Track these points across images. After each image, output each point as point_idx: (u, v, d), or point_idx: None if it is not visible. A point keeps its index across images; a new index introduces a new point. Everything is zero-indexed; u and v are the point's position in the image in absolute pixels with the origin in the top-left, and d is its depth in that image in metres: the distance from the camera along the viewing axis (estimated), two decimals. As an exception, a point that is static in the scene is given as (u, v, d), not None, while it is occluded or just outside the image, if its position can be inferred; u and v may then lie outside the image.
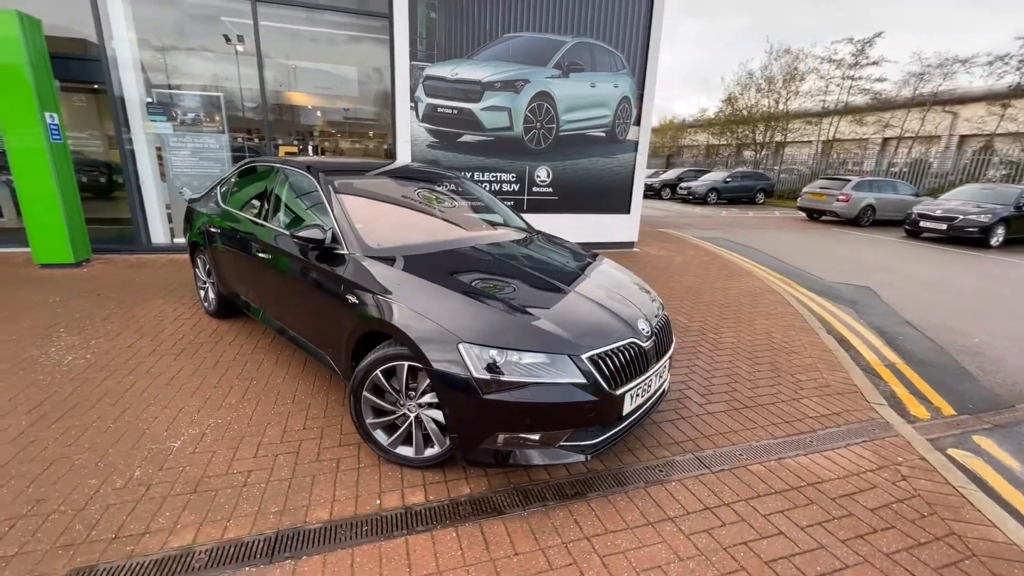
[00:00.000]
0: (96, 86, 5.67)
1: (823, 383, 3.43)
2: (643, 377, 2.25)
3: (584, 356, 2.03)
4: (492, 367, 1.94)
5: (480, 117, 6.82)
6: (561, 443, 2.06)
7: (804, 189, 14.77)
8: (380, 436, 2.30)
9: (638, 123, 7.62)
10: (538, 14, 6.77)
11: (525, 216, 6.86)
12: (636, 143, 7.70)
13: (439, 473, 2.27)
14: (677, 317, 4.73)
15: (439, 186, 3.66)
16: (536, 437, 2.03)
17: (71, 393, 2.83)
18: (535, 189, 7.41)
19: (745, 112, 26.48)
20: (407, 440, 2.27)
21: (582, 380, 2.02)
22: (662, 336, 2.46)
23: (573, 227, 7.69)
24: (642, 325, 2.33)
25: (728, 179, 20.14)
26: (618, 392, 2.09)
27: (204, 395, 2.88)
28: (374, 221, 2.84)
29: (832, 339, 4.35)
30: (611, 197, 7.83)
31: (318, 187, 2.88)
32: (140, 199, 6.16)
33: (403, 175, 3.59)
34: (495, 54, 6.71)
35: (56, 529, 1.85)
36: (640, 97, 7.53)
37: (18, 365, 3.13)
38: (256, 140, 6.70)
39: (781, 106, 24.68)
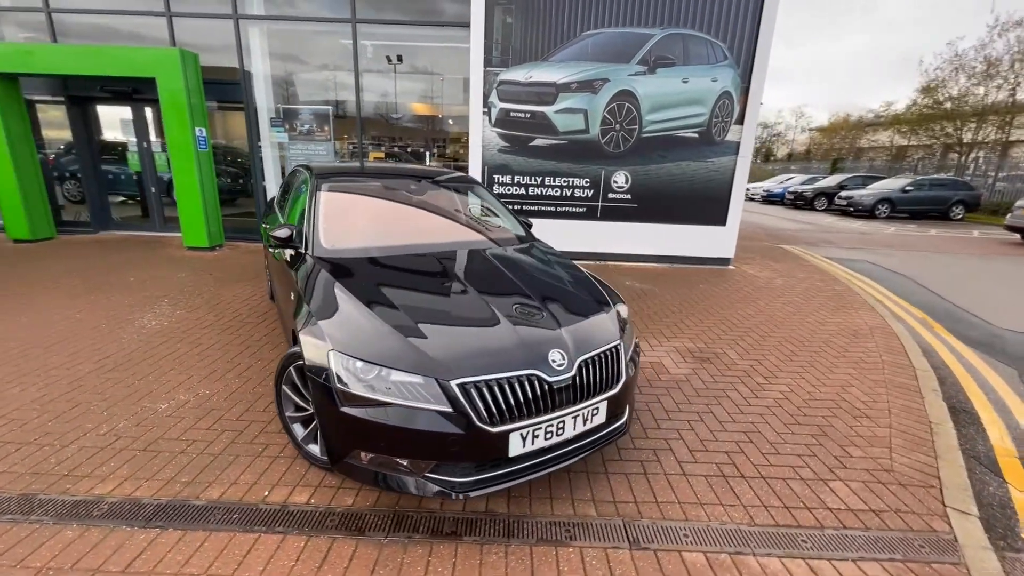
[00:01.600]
0: (239, 104, 6.96)
1: (884, 466, 2.53)
2: (547, 417, 1.92)
3: (454, 382, 1.81)
4: (356, 380, 1.85)
5: (553, 120, 6.62)
6: (427, 473, 1.87)
7: (1017, 204, 11.13)
8: (297, 430, 2.36)
9: (741, 121, 6.60)
10: (622, 7, 6.30)
11: (600, 224, 6.42)
12: (737, 144, 6.67)
13: (340, 479, 2.25)
14: (726, 351, 3.97)
15: (445, 190, 3.64)
16: (405, 463, 1.88)
17: (132, 351, 3.51)
18: (611, 195, 6.92)
19: (949, 104, 21.06)
20: (316, 438, 2.31)
21: (448, 409, 1.80)
22: (595, 372, 2.08)
23: (652, 238, 7.02)
24: (556, 356, 1.99)
25: (909, 188, 16.20)
26: (495, 429, 1.82)
27: (213, 367, 3.32)
28: (346, 223, 2.95)
29: (944, 407, 3.19)
30: (702, 206, 6.92)
31: (311, 188, 3.10)
32: (264, 196, 7.41)
33: (409, 176, 3.65)
34: (573, 54, 6.45)
35: (38, 457, 2.32)
36: (745, 91, 6.50)
37: (115, 324, 4.00)
38: (351, 147, 7.52)
39: (1004, 96, 19.02)
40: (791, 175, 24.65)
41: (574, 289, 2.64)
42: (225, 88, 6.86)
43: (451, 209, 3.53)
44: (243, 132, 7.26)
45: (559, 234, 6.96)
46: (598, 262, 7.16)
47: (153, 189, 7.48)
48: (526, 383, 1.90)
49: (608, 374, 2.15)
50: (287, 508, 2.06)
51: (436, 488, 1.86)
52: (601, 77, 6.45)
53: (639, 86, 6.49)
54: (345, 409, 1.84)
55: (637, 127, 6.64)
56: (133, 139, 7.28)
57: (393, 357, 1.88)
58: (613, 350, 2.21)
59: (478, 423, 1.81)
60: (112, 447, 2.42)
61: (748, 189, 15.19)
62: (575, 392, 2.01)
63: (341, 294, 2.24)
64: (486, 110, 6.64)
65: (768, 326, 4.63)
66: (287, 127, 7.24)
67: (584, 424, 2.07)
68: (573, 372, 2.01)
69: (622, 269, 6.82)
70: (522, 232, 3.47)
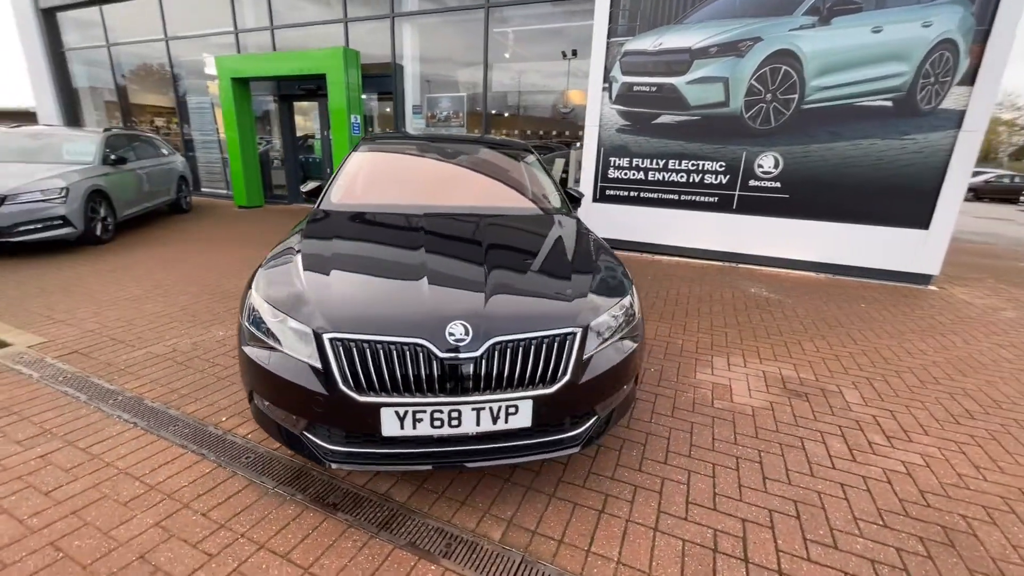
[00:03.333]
0: (390, 94, 7.85)
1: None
2: (436, 400, 1.57)
3: (327, 336, 1.60)
4: (257, 322, 1.80)
5: (684, 92, 5.67)
6: (303, 431, 1.71)
7: None
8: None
9: (972, 81, 4.60)
10: (790, -55, 4.98)
11: (735, 219, 5.36)
12: (960, 114, 4.69)
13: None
14: (844, 390, 2.81)
15: (487, 157, 3.38)
16: (283, 415, 1.75)
17: (237, 289, 4.24)
18: (753, 183, 5.63)
19: None
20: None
21: (317, 364, 1.61)
22: (516, 360, 1.62)
23: (807, 240, 5.51)
24: (456, 330, 1.60)
25: None
26: (363, 399, 1.55)
27: (278, 310, 3.77)
28: (362, 181, 2.96)
29: None
30: (892, 201, 5.09)
31: (350, 150, 3.21)
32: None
33: (454, 142, 3.51)
34: (715, 12, 5.38)
35: (118, 350, 2.93)
36: (983, 37, 4.51)
37: (246, 268, 4.88)
38: (476, 131, 7.75)
39: None
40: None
41: (555, 266, 2.13)
42: (380, 80, 7.80)
43: (483, 174, 3.26)
44: (392, 119, 8.17)
45: (681, 228, 6.02)
46: (726, 263, 5.94)
47: (329, 170, 9.02)
48: (409, 353, 1.58)
49: (540, 367, 1.65)
50: (225, 438, 2.15)
51: (307, 450, 1.69)
52: (751, 36, 5.24)
53: (805, 43, 5.08)
54: (244, 348, 1.81)
55: (796, 96, 5.22)
56: (318, 128, 8.89)
57: (291, 305, 1.77)
58: (557, 339, 1.69)
59: (342, 387, 1.56)
60: (165, 356, 2.92)
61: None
62: (482, 378, 1.60)
63: (294, 242, 2.23)
64: (606, 85, 6.07)
65: (946, 370, 3.12)
66: (428, 115, 7.87)
67: (495, 423, 1.63)
68: (479, 353, 1.59)
69: (755, 274, 5.51)
70: (556, 205, 3.00)
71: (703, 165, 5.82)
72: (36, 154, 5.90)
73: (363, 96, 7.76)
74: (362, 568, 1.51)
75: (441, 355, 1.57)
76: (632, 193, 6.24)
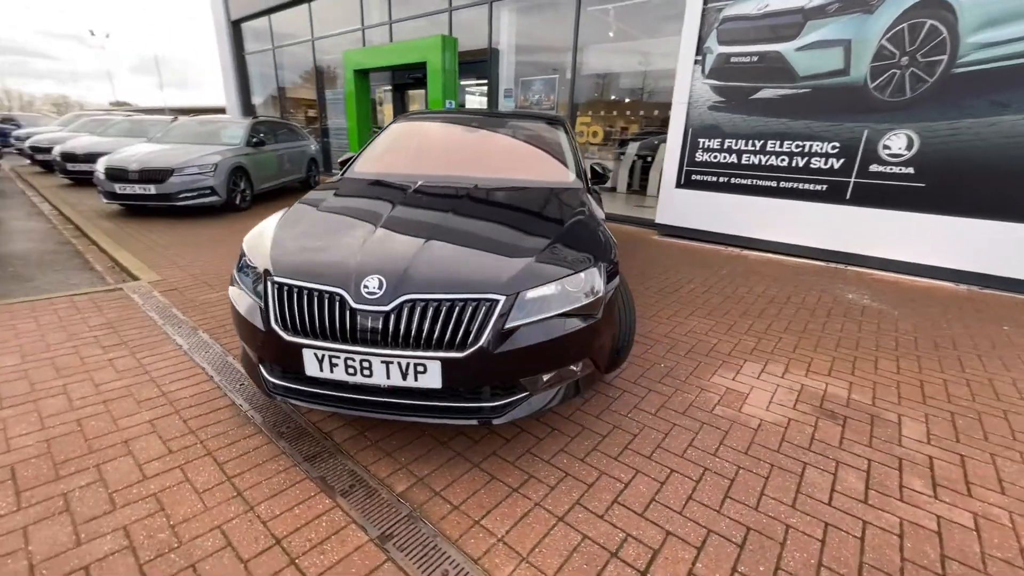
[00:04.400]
0: (484, 81, 8.08)
1: None
2: (347, 348, 1.64)
3: (272, 279, 1.78)
4: (237, 265, 2.06)
5: (792, 61, 4.84)
6: (258, 364, 1.92)
7: None
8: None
9: None
10: None
11: (849, 211, 4.62)
12: None
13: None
14: (906, 417, 2.22)
15: (512, 132, 3.32)
16: (250, 351, 1.98)
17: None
18: (875, 169, 4.61)
19: None
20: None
21: (262, 304, 1.79)
22: (426, 319, 1.62)
23: (948, 241, 4.40)
24: (370, 283, 1.65)
25: None
26: (287, 338, 1.69)
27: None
28: (383, 155, 3.12)
29: None
30: (1086, 194, 3.77)
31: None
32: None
33: (486, 116, 3.51)
34: (840, -40, 4.47)
35: (201, 291, 3.57)
36: None
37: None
38: (560, 113, 7.56)
39: None
40: None
41: (513, 235, 2.04)
42: (477, 66, 8.06)
43: (500, 148, 3.20)
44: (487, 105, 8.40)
45: (777, 220, 5.23)
46: (829, 263, 5.00)
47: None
48: (327, 301, 1.68)
49: (450, 330, 1.62)
50: (233, 365, 2.51)
51: (259, 381, 1.90)
52: (885, -14, 4.26)
53: (964, -12, 3.97)
54: (229, 288, 2.09)
55: (945, 58, 4.11)
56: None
57: (255, 251, 1.99)
58: (472, 304, 1.64)
59: (274, 325, 1.73)
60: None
61: None
62: (391, 334, 1.63)
63: (298, 203, 2.47)
64: (699, 58, 5.46)
65: (1093, 420, 2.27)
66: (522, 97, 7.94)
67: (405, 379, 1.65)
68: (388, 308, 1.62)
69: (865, 279, 4.55)
70: (569, 179, 2.83)
71: (810, 147, 4.94)
72: (202, 138, 7.37)
73: (461, 82, 8.13)
74: (271, 487, 1.67)
75: (354, 306, 1.64)
76: (721, 179, 5.57)
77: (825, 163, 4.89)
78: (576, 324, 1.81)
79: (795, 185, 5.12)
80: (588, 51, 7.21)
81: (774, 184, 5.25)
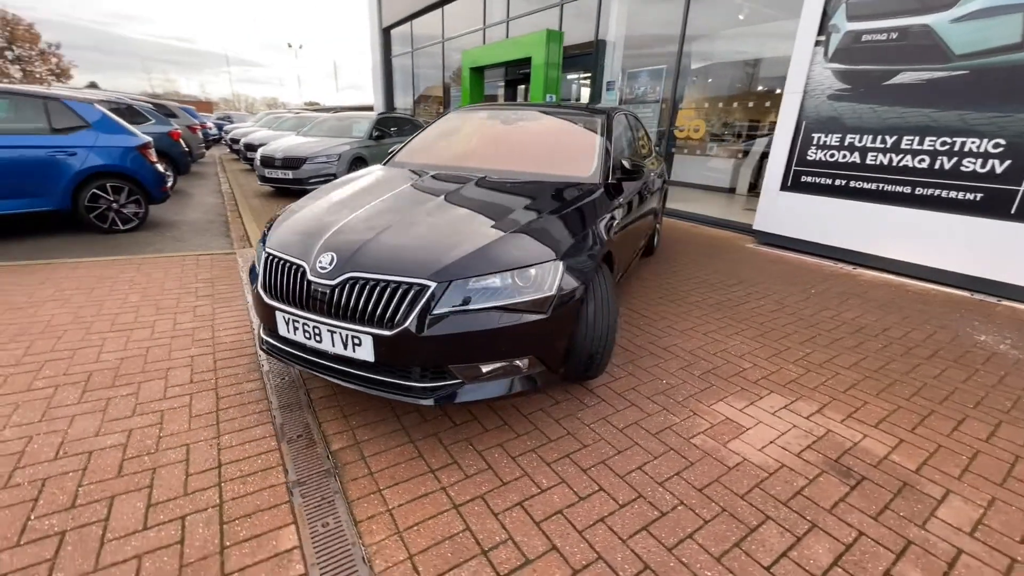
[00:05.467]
0: (589, 75, 7.91)
1: None
2: (304, 314, 1.86)
3: (266, 250, 2.08)
4: (262, 237, 2.43)
5: (945, 35, 3.84)
6: (263, 322, 2.25)
7: None
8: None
9: None
10: None
11: (1016, 228, 3.67)
12: None
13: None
14: (961, 489, 1.71)
15: (547, 126, 3.26)
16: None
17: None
18: (1059, 174, 3.45)
19: None
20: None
21: (259, 268, 2.11)
22: (363, 297, 1.75)
23: None
24: (323, 258, 1.84)
25: None
26: (267, 300, 1.98)
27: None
28: (421, 148, 3.30)
29: None
30: None
31: None
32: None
33: (528, 109, 3.49)
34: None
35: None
36: None
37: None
38: (663, 107, 7.01)
39: None
40: None
41: (479, 224, 2.05)
42: (582, 60, 7.93)
43: (530, 142, 3.16)
44: (590, 98, 8.22)
45: (908, 234, 4.30)
46: (973, 293, 3.91)
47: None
48: (291, 271, 1.91)
49: (381, 308, 1.73)
50: (276, 323, 2.96)
51: (259, 335, 2.24)
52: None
53: None
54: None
55: None
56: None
57: (269, 225, 2.33)
58: (403, 287, 1.72)
59: (259, 289, 2.03)
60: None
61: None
62: (336, 306, 1.80)
63: (324, 185, 2.79)
64: (822, 38, 4.63)
65: None
66: (627, 90, 7.61)
67: (345, 348, 1.82)
68: (335, 283, 1.79)
69: (1022, 319, 3.47)
70: (586, 174, 2.70)
71: (962, 144, 3.89)
72: (336, 131, 8.56)
73: (570, 76, 8.08)
74: (242, 424, 1.97)
75: (310, 278, 1.85)
76: (838, 182, 4.70)
77: (983, 165, 3.81)
78: (517, 319, 1.78)
79: (937, 192, 4.09)
80: (697, 40, 6.60)
81: (907, 190, 4.26)
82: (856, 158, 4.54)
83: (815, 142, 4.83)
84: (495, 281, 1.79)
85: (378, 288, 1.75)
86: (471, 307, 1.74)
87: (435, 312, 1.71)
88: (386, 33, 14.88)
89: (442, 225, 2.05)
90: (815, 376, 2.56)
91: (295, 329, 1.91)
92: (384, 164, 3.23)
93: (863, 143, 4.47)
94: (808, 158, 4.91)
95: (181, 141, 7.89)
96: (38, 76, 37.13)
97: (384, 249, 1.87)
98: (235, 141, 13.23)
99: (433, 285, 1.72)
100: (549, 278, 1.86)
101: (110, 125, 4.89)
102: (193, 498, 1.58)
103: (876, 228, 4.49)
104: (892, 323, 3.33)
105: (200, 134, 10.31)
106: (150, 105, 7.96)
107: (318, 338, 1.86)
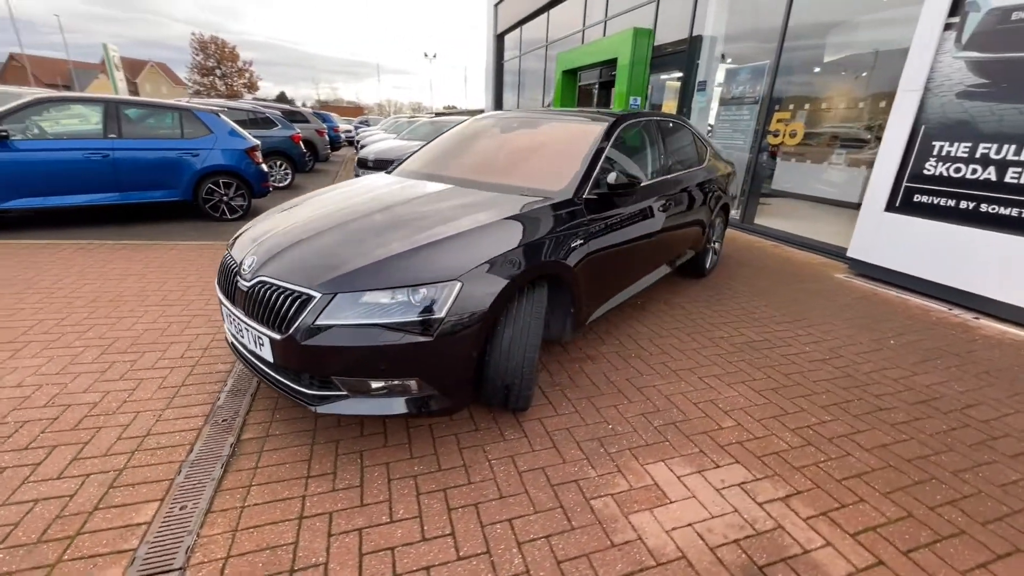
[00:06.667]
0: (680, 75, 7.25)
1: None
2: (235, 311, 2.03)
3: (227, 246, 2.31)
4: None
5: None
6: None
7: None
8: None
9: None
10: None
11: None
12: None
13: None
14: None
15: (545, 134, 3.06)
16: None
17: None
18: None
19: None
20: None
21: (231, 264, 2.35)
22: (264, 300, 1.85)
23: None
24: (248, 261, 1.98)
25: None
26: (219, 293, 2.19)
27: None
28: (423, 155, 3.33)
29: None
30: None
31: None
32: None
33: (547, 117, 3.29)
34: None
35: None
36: None
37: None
38: (759, 107, 6.06)
39: None
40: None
41: (395, 238, 1.99)
42: (674, 59, 7.30)
43: (521, 152, 2.98)
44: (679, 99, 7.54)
45: None
46: None
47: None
48: (231, 270, 2.08)
49: (277, 313, 1.81)
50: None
51: (230, 322, 2.50)
52: None
53: None
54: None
55: None
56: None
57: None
58: (292, 295, 1.78)
59: (216, 279, 2.26)
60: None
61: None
62: (249, 306, 1.93)
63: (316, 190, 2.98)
64: (954, 20, 3.61)
65: None
66: (724, 90, 6.83)
67: (254, 346, 1.94)
68: (248, 285, 1.92)
69: None
70: (557, 188, 2.48)
71: None
72: (429, 135, 9.11)
73: (662, 77, 7.52)
74: (190, 401, 2.22)
75: (237, 277, 2.01)
76: (964, 203, 3.65)
77: None
78: (399, 338, 1.72)
79: (1114, 226, 2.93)
80: (802, 34, 5.62)
81: (1067, 220, 3.13)
82: (992, 174, 3.47)
83: (936, 152, 3.80)
84: (383, 297, 1.76)
85: (276, 293, 1.83)
86: (351, 321, 1.73)
87: (318, 323, 1.74)
88: (499, 39, 15.40)
89: (361, 236, 2.06)
90: (811, 453, 2.03)
91: (231, 323, 2.10)
92: (387, 172, 3.36)
93: (1003, 155, 3.40)
94: (925, 172, 3.88)
95: (301, 143, 9.13)
96: (234, 88, 46.15)
97: (294, 257, 1.95)
98: (359, 143, 14.90)
99: (318, 296, 1.75)
100: (441, 299, 1.76)
101: (227, 131, 5.87)
102: (107, 459, 1.83)
103: (1014, 267, 3.39)
104: (985, 399, 2.49)
105: (326, 137, 11.79)
106: (279, 113, 9.34)
107: (242, 334, 2.01)
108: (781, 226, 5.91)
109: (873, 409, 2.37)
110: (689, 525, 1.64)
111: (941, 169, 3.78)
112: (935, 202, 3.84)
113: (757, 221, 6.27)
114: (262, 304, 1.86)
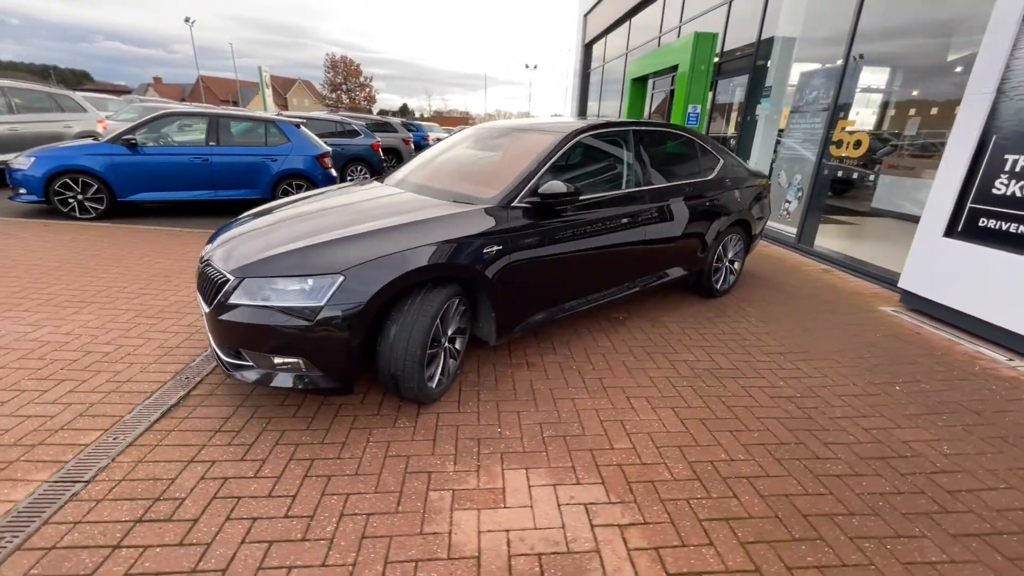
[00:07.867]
0: (744, 80, 6.69)
1: None
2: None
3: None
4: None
5: None
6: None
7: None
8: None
9: None
10: None
11: None
12: None
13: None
14: None
15: (524, 142, 3.10)
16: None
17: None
18: None
19: None
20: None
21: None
22: (208, 283, 2.23)
23: None
24: (218, 252, 2.33)
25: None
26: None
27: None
28: (414, 162, 3.57)
29: None
30: None
31: None
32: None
33: (534, 130, 3.34)
34: None
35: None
36: None
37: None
38: (821, 118, 5.32)
39: None
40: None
41: (320, 236, 2.25)
42: (742, 62, 6.77)
43: (484, 163, 3.07)
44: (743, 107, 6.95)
45: None
46: None
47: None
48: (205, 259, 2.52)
49: (209, 290, 2.18)
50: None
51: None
52: None
53: None
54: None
55: None
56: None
57: None
58: (220, 277, 2.13)
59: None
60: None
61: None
62: (200, 282, 2.34)
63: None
64: (1037, 9, 2.93)
65: None
66: (797, 97, 6.18)
67: (203, 317, 2.35)
68: (202, 267, 2.33)
69: None
70: (486, 196, 2.56)
71: None
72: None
73: (730, 82, 7.02)
74: (158, 363, 2.72)
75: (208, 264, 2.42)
76: (1040, 232, 2.96)
77: None
78: (286, 320, 1.99)
79: None
80: (874, 36, 4.88)
81: None
82: (1075, 197, 2.77)
83: (1009, 167, 3.13)
84: (279, 284, 2.03)
85: (213, 274, 2.21)
86: (252, 303, 2.03)
87: (229, 302, 2.07)
88: (587, 48, 15.40)
89: (288, 233, 2.36)
90: (691, 488, 1.87)
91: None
92: (379, 179, 3.68)
93: (1091, 173, 2.69)
94: (994, 191, 3.21)
95: (380, 151, 10.08)
96: (356, 101, 51.75)
97: (234, 248, 2.31)
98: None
99: (232, 279, 2.08)
100: (323, 289, 1.98)
101: (302, 140, 6.78)
102: (90, 395, 2.35)
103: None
104: (974, 467, 2.04)
105: (411, 146, 12.83)
106: (363, 124, 10.41)
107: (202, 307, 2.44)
108: (841, 248, 5.19)
109: (807, 456, 2.08)
110: (505, 531, 1.65)
111: (1015, 188, 3.10)
112: (1005, 228, 3.15)
113: (818, 243, 5.56)
114: (205, 282, 2.25)
